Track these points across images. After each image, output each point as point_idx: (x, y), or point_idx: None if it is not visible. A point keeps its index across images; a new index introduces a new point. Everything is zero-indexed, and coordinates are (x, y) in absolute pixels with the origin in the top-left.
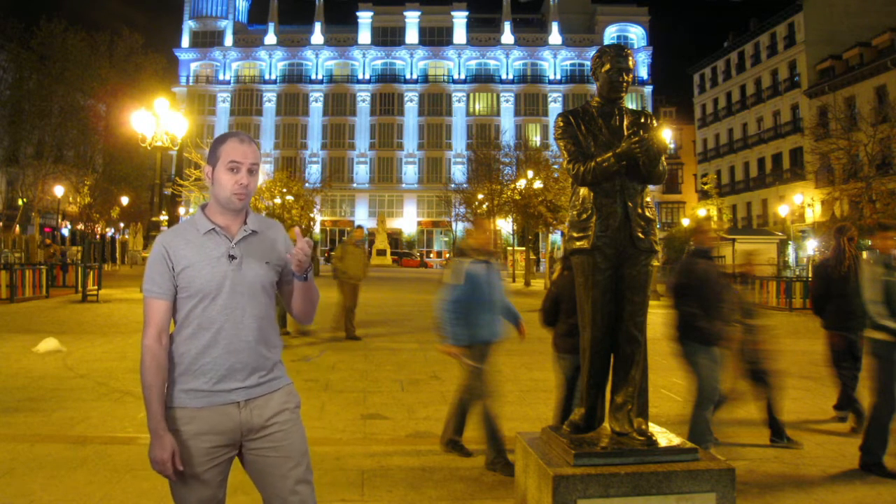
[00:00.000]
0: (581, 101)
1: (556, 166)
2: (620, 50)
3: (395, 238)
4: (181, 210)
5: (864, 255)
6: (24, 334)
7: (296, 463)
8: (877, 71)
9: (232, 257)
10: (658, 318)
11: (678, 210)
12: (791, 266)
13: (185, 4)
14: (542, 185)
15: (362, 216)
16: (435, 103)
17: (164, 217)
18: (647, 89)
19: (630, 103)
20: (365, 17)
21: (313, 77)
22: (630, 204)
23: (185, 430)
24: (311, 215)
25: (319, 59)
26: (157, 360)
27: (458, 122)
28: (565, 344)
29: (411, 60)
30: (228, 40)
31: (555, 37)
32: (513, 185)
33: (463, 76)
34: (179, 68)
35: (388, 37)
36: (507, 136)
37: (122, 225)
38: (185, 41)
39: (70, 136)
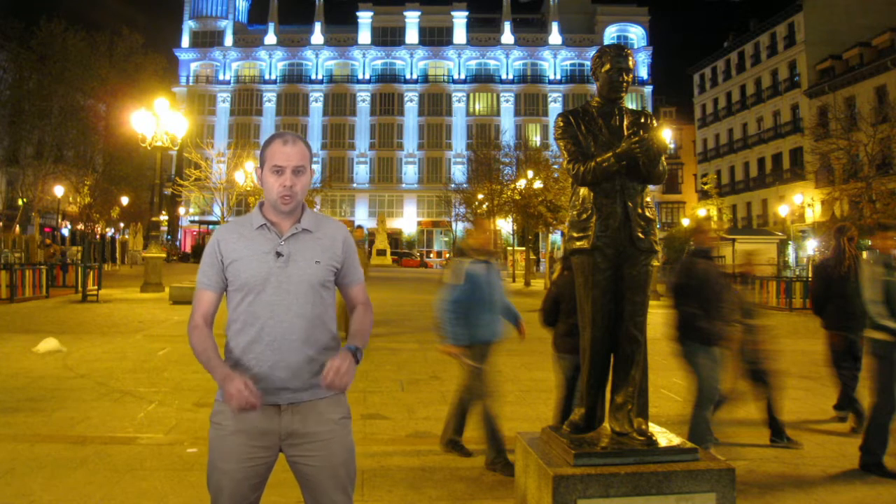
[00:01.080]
0: (581, 101)
1: (556, 166)
2: (620, 50)
3: (395, 238)
4: (181, 210)
5: (864, 255)
6: (24, 334)
7: (334, 473)
8: (877, 71)
9: (279, 254)
10: (658, 318)
11: (678, 210)
12: (791, 266)
13: (185, 4)
14: (542, 185)
15: (362, 216)
16: (435, 103)
17: (164, 217)
18: (647, 89)
19: (630, 103)
20: (365, 17)
21: (313, 77)
22: (630, 204)
23: (225, 426)
24: None
25: (319, 59)
26: (203, 332)
27: (458, 122)
28: (565, 344)
29: (411, 60)
30: (228, 40)
31: (555, 37)
32: (513, 185)
33: (463, 76)
34: (179, 68)
35: (388, 37)
36: (507, 136)
37: (122, 225)
38: (185, 41)
39: (70, 136)
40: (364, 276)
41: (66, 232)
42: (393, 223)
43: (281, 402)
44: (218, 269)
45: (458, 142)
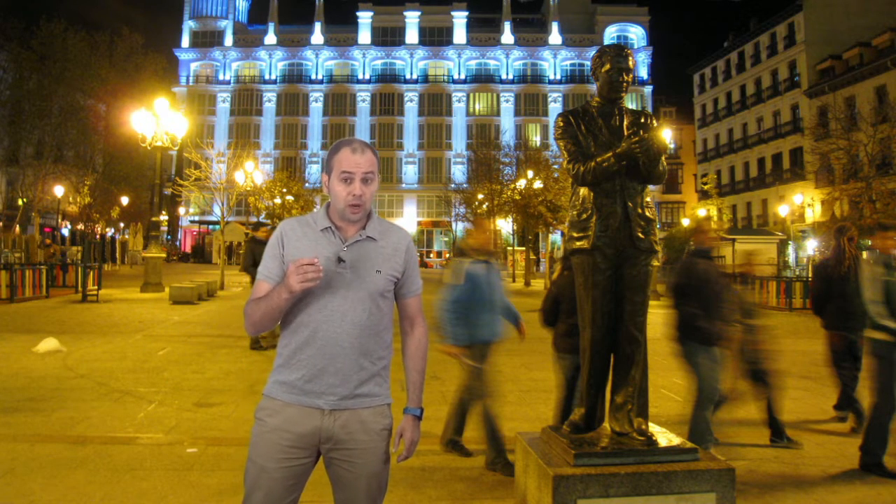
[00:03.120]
0: (581, 101)
1: (556, 166)
2: (620, 50)
3: None
4: (181, 210)
5: (864, 255)
6: (24, 334)
7: (367, 484)
8: (877, 71)
9: (340, 260)
10: (658, 318)
11: (678, 210)
12: (791, 266)
13: (185, 4)
14: (542, 185)
15: None
16: (435, 103)
17: (164, 217)
18: (647, 89)
19: (630, 103)
20: (365, 17)
21: (313, 77)
22: (630, 204)
23: (268, 422)
24: None
25: (319, 59)
26: (255, 301)
27: (458, 122)
28: (565, 344)
29: (411, 60)
30: (228, 40)
31: (555, 37)
32: (513, 185)
33: (463, 76)
34: (179, 68)
35: (388, 37)
36: (507, 136)
37: (122, 225)
38: (185, 41)
39: (70, 136)
40: None
41: (66, 232)
42: (393, 223)
43: (325, 406)
44: (279, 263)
45: (458, 142)
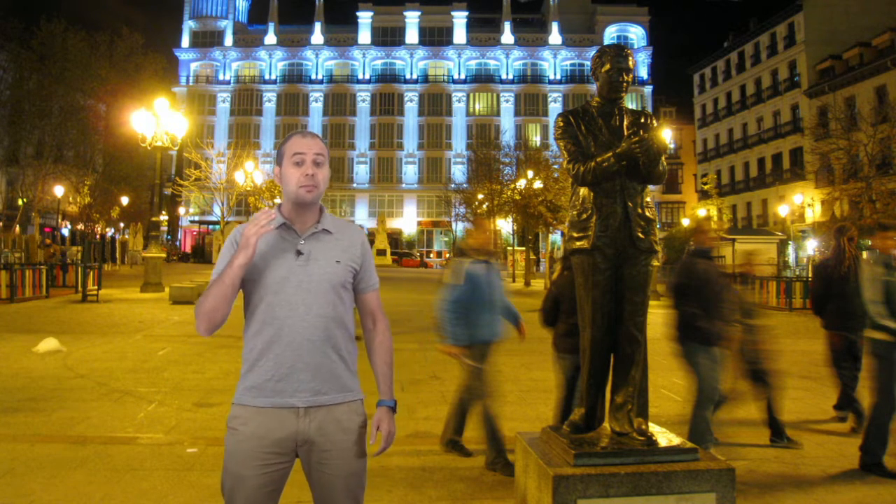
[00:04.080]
0: (581, 101)
1: (556, 166)
2: (620, 50)
3: (395, 238)
4: (181, 210)
5: (864, 255)
6: (24, 334)
7: (346, 483)
8: (877, 71)
9: (299, 253)
10: (658, 318)
11: (678, 210)
12: (791, 266)
13: (185, 4)
14: (542, 185)
15: (362, 216)
16: (435, 103)
17: (164, 217)
18: (647, 89)
19: (630, 103)
20: (365, 17)
21: (313, 77)
22: (630, 204)
23: (242, 430)
24: None
25: (319, 59)
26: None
27: (458, 122)
28: (565, 344)
29: (411, 60)
30: (228, 40)
31: (555, 37)
32: (513, 185)
33: (463, 76)
34: (179, 68)
35: (388, 37)
36: (507, 136)
37: (122, 225)
38: (185, 41)
39: (70, 136)
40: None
41: (66, 232)
42: (393, 223)
43: (299, 403)
44: None
45: (458, 142)
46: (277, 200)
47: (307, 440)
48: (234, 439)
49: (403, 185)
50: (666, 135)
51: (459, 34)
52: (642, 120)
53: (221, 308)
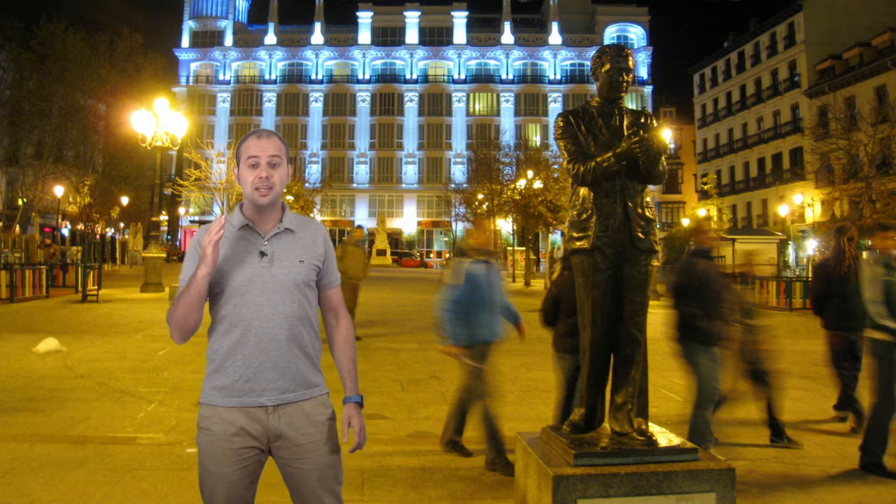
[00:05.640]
0: (581, 101)
1: (556, 166)
2: (620, 50)
3: (395, 238)
4: (181, 210)
5: (864, 255)
6: (24, 334)
7: (321, 476)
8: (877, 71)
9: (262, 254)
10: (658, 318)
11: (678, 210)
12: (791, 266)
13: (185, 4)
14: (542, 185)
15: (362, 216)
16: (435, 103)
17: (164, 217)
18: (647, 89)
19: (630, 103)
20: (365, 17)
21: (313, 77)
22: (630, 204)
23: (214, 430)
24: (311, 215)
25: (319, 59)
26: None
27: (458, 122)
28: (565, 344)
29: (411, 60)
30: (228, 40)
31: (555, 37)
32: (513, 185)
33: (463, 76)
34: (179, 68)
35: (388, 37)
36: (507, 136)
37: (122, 225)
38: (185, 41)
39: (70, 136)
40: (364, 276)
41: (66, 232)
42: (393, 223)
43: (267, 402)
44: None
45: (458, 142)
46: None
47: (278, 435)
48: (208, 439)
49: (403, 185)
50: (666, 135)
51: (459, 34)
52: (642, 120)
53: (192, 315)
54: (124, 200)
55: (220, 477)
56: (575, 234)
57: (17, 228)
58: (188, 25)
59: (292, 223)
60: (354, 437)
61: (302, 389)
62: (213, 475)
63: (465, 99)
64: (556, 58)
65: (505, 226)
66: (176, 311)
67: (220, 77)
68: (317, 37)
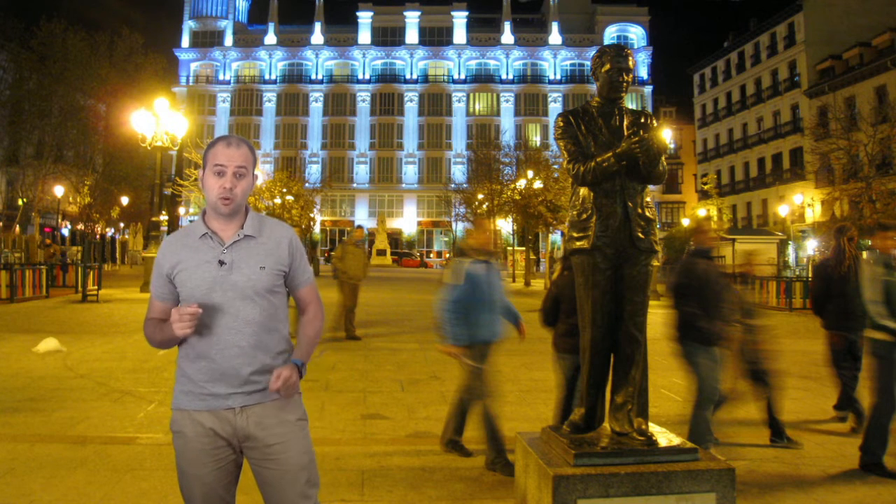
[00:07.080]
0: (581, 101)
1: (556, 166)
2: (620, 50)
3: (395, 238)
4: (181, 210)
5: (864, 255)
6: (24, 334)
7: (294, 477)
8: (877, 71)
9: (221, 263)
10: (658, 318)
11: (678, 210)
12: (791, 266)
13: (185, 4)
14: (542, 185)
15: (362, 216)
16: (435, 103)
17: (164, 217)
18: (647, 89)
19: (630, 103)
20: (365, 17)
21: (313, 77)
22: (630, 204)
23: (186, 433)
24: (311, 215)
25: (319, 59)
26: (153, 322)
27: (458, 122)
28: (565, 344)
29: (411, 60)
30: (228, 40)
31: (555, 37)
32: (513, 185)
33: (463, 76)
34: (179, 68)
35: (388, 37)
36: (507, 136)
37: (122, 225)
38: (185, 41)
39: (70, 136)
40: (364, 276)
41: (66, 232)
42: (393, 223)
43: (234, 405)
44: (164, 281)
45: (458, 142)
46: (278, 200)
47: (247, 436)
48: (181, 442)
49: (403, 185)
50: (666, 135)
51: (459, 34)
52: (642, 120)
53: (171, 346)
54: (124, 200)
55: (196, 478)
56: (575, 234)
57: (17, 228)
58: (188, 25)
59: (253, 228)
60: (279, 381)
61: (266, 391)
62: (189, 477)
63: (465, 99)
64: (556, 58)
65: (505, 226)
66: (156, 338)
67: (220, 77)
68: (317, 37)
